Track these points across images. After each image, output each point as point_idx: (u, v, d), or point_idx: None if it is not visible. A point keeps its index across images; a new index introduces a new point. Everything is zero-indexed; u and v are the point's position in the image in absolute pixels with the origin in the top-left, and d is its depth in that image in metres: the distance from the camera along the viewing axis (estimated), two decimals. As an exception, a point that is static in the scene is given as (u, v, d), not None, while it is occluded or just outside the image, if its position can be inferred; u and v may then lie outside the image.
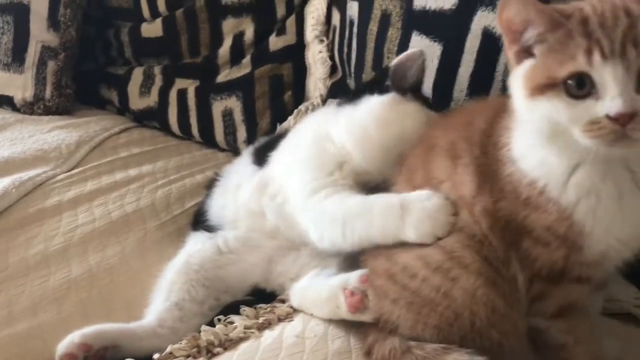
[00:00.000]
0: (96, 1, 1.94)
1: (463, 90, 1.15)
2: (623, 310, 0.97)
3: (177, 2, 1.77)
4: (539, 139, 0.72)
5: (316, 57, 1.62)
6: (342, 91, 1.53)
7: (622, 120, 0.62)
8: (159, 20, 1.80)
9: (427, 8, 1.19)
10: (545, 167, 0.72)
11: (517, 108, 0.73)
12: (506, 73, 1.01)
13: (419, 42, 1.21)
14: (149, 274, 1.12)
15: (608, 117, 0.62)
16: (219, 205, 1.18)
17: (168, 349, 0.91)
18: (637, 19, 0.63)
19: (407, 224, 0.82)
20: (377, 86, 1.08)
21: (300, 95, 1.67)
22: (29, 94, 1.81)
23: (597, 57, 0.63)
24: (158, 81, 1.81)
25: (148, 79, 1.83)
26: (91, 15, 1.94)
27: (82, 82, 1.93)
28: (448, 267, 0.78)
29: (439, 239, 0.80)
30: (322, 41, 1.61)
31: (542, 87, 0.67)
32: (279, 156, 1.14)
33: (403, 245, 0.84)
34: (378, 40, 1.32)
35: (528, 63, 0.71)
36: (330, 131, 1.08)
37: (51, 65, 1.81)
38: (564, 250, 0.74)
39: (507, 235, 0.76)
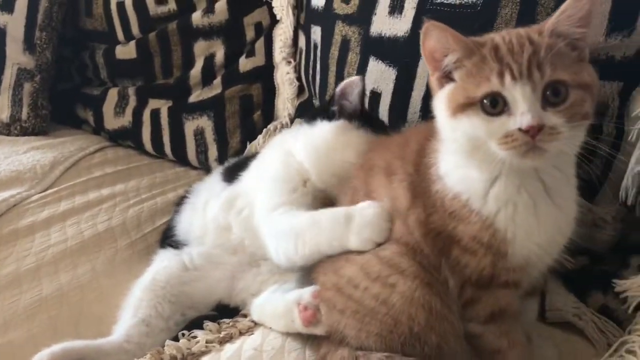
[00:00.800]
0: (71, 24, 2.00)
1: (416, 112, 1.21)
2: (563, 319, 1.02)
3: (150, 25, 1.83)
4: (460, 155, 0.79)
5: (284, 78, 1.68)
6: (310, 111, 1.59)
7: (531, 132, 0.70)
8: (132, 43, 1.86)
9: (383, 35, 1.26)
10: (466, 182, 0.80)
11: (440, 128, 0.81)
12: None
13: (375, 67, 1.28)
14: (119, 291, 1.16)
15: (520, 130, 0.71)
16: (188, 222, 1.23)
17: (134, 363, 0.96)
18: (539, 46, 0.73)
19: (350, 231, 0.90)
20: (326, 111, 1.15)
21: (269, 115, 1.73)
22: (5, 115, 1.86)
23: (508, 78, 0.72)
24: (132, 101, 1.86)
25: (122, 99, 1.88)
26: (67, 37, 1.99)
27: (58, 102, 1.98)
28: (386, 275, 0.84)
29: (378, 244, 0.87)
30: (289, 63, 1.67)
31: (462, 107, 0.75)
32: (250, 173, 1.20)
33: (348, 259, 0.91)
34: (339, 64, 1.38)
35: (449, 87, 0.79)
36: (292, 148, 1.15)
37: (27, 87, 1.86)
38: (490, 257, 0.80)
39: (438, 244, 0.83)
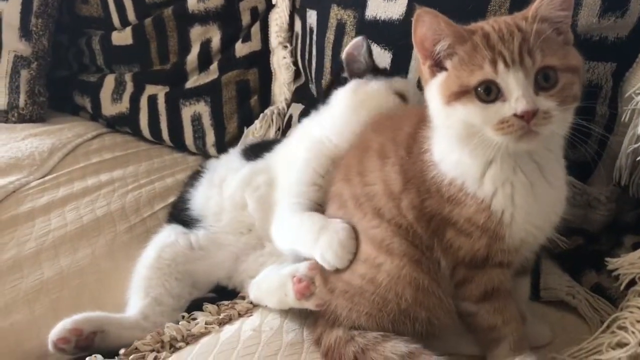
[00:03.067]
0: (68, 10, 1.99)
1: (412, 94, 1.22)
2: (557, 297, 1.04)
3: (145, 11, 1.83)
4: (454, 142, 0.80)
5: (280, 63, 1.69)
6: (306, 95, 1.60)
7: (527, 117, 0.72)
8: (128, 29, 1.86)
9: (378, 18, 1.27)
10: (461, 166, 0.81)
11: (434, 116, 0.82)
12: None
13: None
14: (118, 274, 1.18)
15: (515, 115, 0.72)
16: (204, 197, 1.23)
17: (133, 344, 0.98)
18: (527, 33, 0.74)
19: (318, 246, 0.92)
20: (337, 81, 1.16)
21: (266, 100, 1.74)
22: (2, 103, 1.86)
23: (501, 66, 0.73)
24: (129, 88, 1.87)
25: (119, 85, 1.89)
26: (63, 23, 1.99)
27: (55, 89, 1.98)
28: (374, 256, 0.86)
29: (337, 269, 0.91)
30: (285, 47, 1.68)
31: (457, 95, 0.76)
32: (276, 155, 1.21)
33: None
34: (335, 48, 1.39)
35: (441, 75, 0.79)
36: (318, 133, 1.14)
37: (24, 74, 1.86)
38: (485, 239, 0.82)
39: (431, 225, 0.84)
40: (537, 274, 1.05)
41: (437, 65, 0.80)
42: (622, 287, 0.93)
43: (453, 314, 0.87)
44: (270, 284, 1.01)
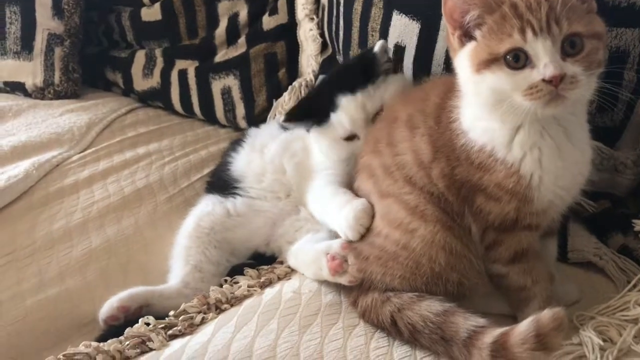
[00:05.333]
0: (97, -13, 2.03)
1: (440, 64, 1.24)
2: (584, 259, 1.07)
3: (173, -13, 1.85)
4: (483, 109, 0.84)
5: (307, 35, 1.71)
6: (334, 67, 1.62)
7: (555, 82, 0.75)
8: (157, 5, 1.89)
9: (406, -12, 1.28)
10: (489, 133, 0.85)
11: (463, 84, 0.85)
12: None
13: (399, 21, 1.30)
14: (161, 242, 1.25)
15: (544, 80, 0.76)
16: (246, 160, 1.28)
17: (182, 307, 1.04)
18: (554, 2, 0.77)
19: (340, 217, 0.99)
20: None
21: (293, 72, 1.76)
22: (39, 80, 1.92)
23: (529, 34, 0.76)
24: (159, 63, 1.91)
25: (150, 61, 1.93)
26: (93, 1, 2.03)
27: (87, 66, 2.03)
28: (408, 222, 0.90)
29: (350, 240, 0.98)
30: (312, 19, 1.69)
31: (486, 62, 0.79)
32: None
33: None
34: (362, 19, 1.40)
35: (470, 45, 0.83)
36: None
37: (58, 51, 1.92)
38: (515, 203, 0.85)
39: (462, 193, 0.88)
40: (565, 237, 1.09)
41: (466, 35, 0.83)
42: (648, 248, 0.97)
43: (483, 276, 0.92)
44: (305, 257, 1.06)
